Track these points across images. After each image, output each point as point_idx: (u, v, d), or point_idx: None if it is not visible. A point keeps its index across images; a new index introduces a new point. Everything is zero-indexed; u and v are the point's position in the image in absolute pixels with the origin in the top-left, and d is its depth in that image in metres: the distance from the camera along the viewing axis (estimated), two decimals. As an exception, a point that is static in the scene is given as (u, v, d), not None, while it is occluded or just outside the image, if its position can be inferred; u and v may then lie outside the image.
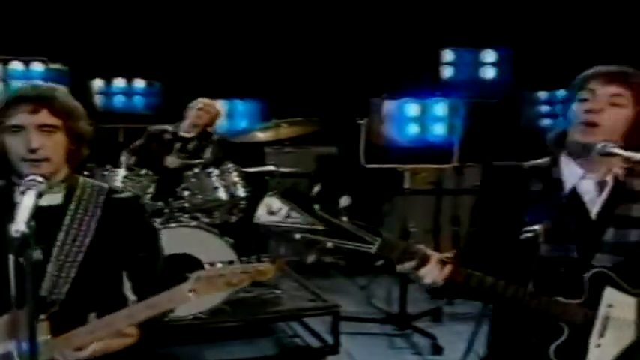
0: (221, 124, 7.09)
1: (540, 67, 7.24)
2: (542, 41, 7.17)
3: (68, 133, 1.98)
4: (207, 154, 5.37)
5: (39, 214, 1.69)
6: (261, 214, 1.94)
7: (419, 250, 1.96)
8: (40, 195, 1.74)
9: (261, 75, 7.37)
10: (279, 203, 1.94)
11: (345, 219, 1.95)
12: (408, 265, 1.94)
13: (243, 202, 4.98)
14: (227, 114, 7.49)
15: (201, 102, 5.50)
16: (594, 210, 2.06)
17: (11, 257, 1.54)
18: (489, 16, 7.21)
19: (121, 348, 1.97)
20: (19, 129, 1.91)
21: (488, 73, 7.00)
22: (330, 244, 1.95)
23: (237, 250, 4.61)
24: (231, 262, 4.42)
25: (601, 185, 2.07)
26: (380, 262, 5.47)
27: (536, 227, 1.99)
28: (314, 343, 5.00)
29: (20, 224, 1.56)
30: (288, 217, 1.93)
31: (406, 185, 5.61)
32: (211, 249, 4.52)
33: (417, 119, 5.60)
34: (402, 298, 5.24)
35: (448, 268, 1.93)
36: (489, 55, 7.01)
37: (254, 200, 5.00)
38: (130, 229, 2.10)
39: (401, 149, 5.63)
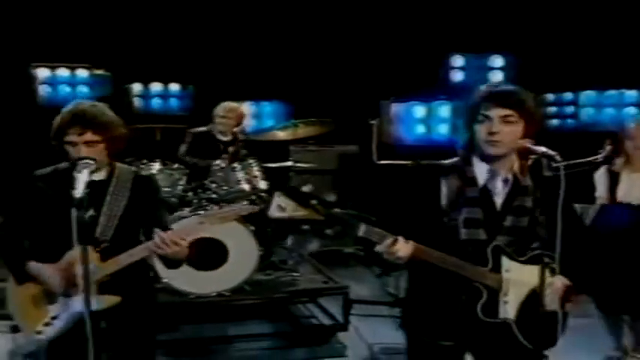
0: (249, 124, 7.50)
1: (546, 70, 7.47)
2: (547, 46, 7.42)
3: (107, 142, 2.71)
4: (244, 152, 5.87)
5: (92, 185, 2.52)
6: (273, 210, 2.45)
7: (389, 234, 2.48)
8: (90, 172, 2.50)
9: (284, 79, 7.74)
10: (285, 200, 2.43)
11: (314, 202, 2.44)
12: (384, 244, 2.46)
13: (263, 194, 5.47)
14: (254, 115, 8.04)
15: (222, 109, 5.96)
16: (499, 202, 2.59)
17: (73, 212, 2.30)
18: (496, 23, 7.47)
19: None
20: (72, 144, 2.67)
21: (496, 77, 7.31)
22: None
23: (257, 236, 5.08)
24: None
25: (505, 182, 2.59)
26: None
27: (456, 215, 2.54)
28: (327, 322, 5.37)
29: (78, 191, 2.35)
30: (294, 211, 2.42)
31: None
32: (234, 234, 4.98)
33: (424, 120, 5.98)
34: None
35: (411, 245, 2.47)
36: (497, 61, 7.34)
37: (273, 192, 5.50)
38: (148, 194, 2.89)
39: (409, 147, 5.96)
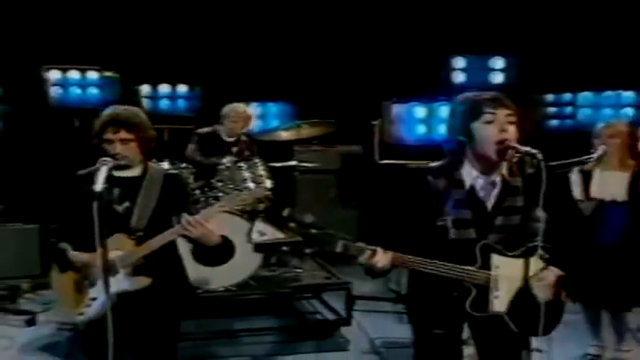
0: (255, 125, 7.55)
1: (546, 71, 7.54)
2: (546, 48, 7.46)
3: (139, 141, 3.03)
4: (247, 152, 6.03)
5: (128, 181, 3.02)
6: (255, 236, 2.70)
7: (367, 247, 2.59)
8: (109, 169, 2.78)
9: (289, 81, 7.82)
10: (265, 226, 2.65)
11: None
12: (364, 257, 2.56)
13: (268, 192, 5.52)
14: (260, 115, 8.10)
15: (231, 112, 6.13)
16: (490, 203, 2.69)
17: (94, 205, 2.57)
18: (497, 24, 7.51)
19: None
20: (109, 142, 2.98)
21: (497, 78, 7.38)
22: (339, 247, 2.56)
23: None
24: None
25: (492, 184, 2.69)
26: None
27: (445, 216, 2.64)
28: (330, 317, 5.53)
29: (98, 185, 2.63)
30: (274, 235, 2.64)
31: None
32: (241, 231, 4.97)
33: (424, 121, 6.07)
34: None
35: (390, 254, 2.56)
36: (498, 62, 7.39)
37: (279, 190, 5.68)
38: (177, 189, 3.19)
39: (410, 147, 6.05)
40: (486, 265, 2.66)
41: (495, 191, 2.70)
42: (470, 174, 2.68)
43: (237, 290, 5.19)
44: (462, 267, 2.63)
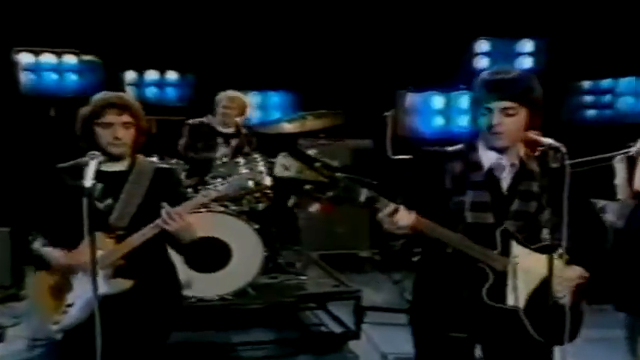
0: (254, 116, 7.92)
1: (581, 55, 7.65)
2: (582, 28, 7.55)
3: (137, 128, 3.25)
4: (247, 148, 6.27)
5: (113, 176, 3.21)
6: (278, 170, 2.82)
7: (391, 202, 2.84)
8: (99, 163, 3.03)
9: (292, 67, 7.98)
10: (290, 161, 2.80)
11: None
12: (386, 211, 2.78)
13: (268, 191, 5.81)
14: (260, 106, 8.37)
15: (223, 98, 6.36)
16: (505, 186, 2.97)
17: (84, 200, 2.81)
18: (525, 3, 7.60)
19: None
20: (107, 126, 3.18)
21: (525, 63, 7.49)
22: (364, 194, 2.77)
23: (262, 235, 5.45)
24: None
25: (510, 166, 2.97)
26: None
27: (462, 198, 2.91)
28: (337, 330, 5.72)
29: (88, 181, 2.87)
30: (298, 172, 2.79)
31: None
32: (238, 233, 5.35)
33: (442, 111, 6.25)
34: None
35: (413, 215, 2.80)
36: (526, 45, 7.51)
37: (279, 189, 5.89)
38: (168, 186, 3.39)
39: (427, 141, 6.22)
40: (505, 253, 2.93)
41: (511, 174, 2.98)
42: (487, 155, 2.98)
43: (234, 299, 5.36)
44: (483, 248, 2.89)
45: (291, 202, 6.66)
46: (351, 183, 2.80)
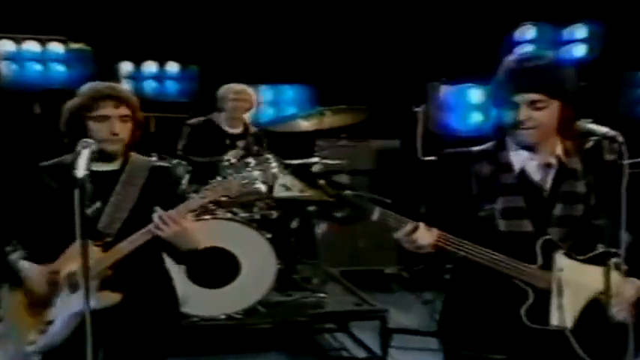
0: (265, 113, 7.90)
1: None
2: None
3: (134, 121, 3.16)
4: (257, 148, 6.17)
5: (103, 176, 3.08)
6: (278, 190, 2.78)
7: (409, 220, 2.74)
8: (92, 152, 2.84)
9: (308, 57, 7.92)
10: (292, 180, 2.76)
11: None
12: (404, 231, 2.71)
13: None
14: (272, 101, 8.32)
15: (228, 92, 6.26)
16: (546, 188, 2.85)
17: (76, 192, 2.59)
18: None
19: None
20: (104, 118, 3.08)
21: (577, 51, 7.37)
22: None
23: (276, 246, 5.36)
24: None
25: (546, 166, 2.85)
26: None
27: (492, 205, 2.80)
28: (360, 355, 5.64)
29: (80, 171, 2.66)
30: (301, 191, 2.74)
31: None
32: (247, 243, 5.28)
33: (481, 106, 6.10)
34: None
35: (435, 232, 2.71)
36: (579, 31, 7.38)
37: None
38: (164, 186, 3.29)
39: (462, 140, 6.13)
40: (548, 266, 2.80)
41: (551, 175, 2.85)
42: (519, 156, 2.85)
43: (243, 318, 5.31)
44: (520, 262, 2.77)
45: (294, 224, 6.59)
46: (360, 201, 2.76)
